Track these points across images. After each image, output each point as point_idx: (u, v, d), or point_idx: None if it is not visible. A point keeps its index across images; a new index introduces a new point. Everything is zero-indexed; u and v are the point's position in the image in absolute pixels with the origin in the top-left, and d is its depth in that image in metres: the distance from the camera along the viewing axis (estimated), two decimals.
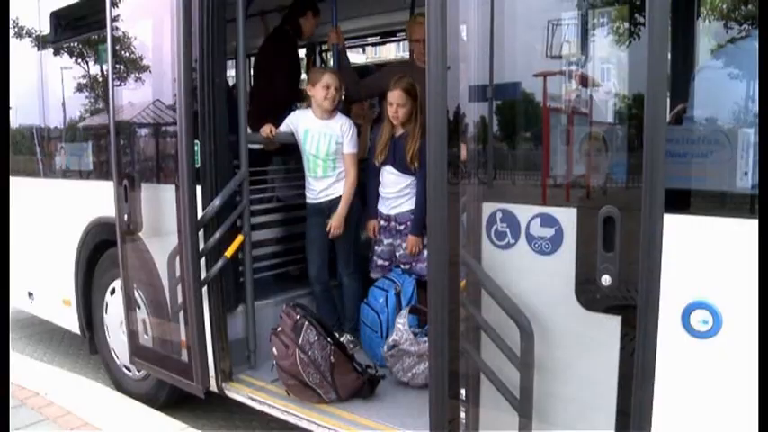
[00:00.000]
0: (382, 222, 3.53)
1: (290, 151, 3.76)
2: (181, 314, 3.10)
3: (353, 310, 3.61)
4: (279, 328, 3.06)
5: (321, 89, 3.40)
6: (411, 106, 3.31)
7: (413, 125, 3.34)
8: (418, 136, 3.28)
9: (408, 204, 3.43)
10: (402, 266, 3.52)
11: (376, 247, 3.60)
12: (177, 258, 3.04)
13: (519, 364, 2.03)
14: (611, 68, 1.98)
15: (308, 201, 3.57)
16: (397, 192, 3.44)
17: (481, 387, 2.19)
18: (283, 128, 3.58)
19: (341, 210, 3.45)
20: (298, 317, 3.05)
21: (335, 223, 3.45)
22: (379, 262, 3.61)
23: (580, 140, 2.01)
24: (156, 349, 3.36)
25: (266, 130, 3.44)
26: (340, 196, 3.48)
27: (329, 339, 3.08)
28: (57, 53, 4.11)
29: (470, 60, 2.11)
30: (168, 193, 3.07)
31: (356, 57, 8.53)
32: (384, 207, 3.52)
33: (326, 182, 3.49)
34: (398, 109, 3.29)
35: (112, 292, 3.80)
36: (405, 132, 3.37)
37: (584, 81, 2.01)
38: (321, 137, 3.44)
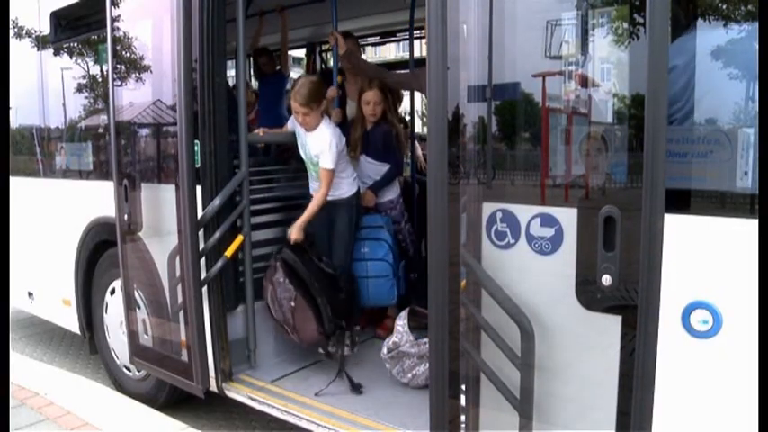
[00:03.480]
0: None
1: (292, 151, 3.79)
2: (181, 314, 3.10)
3: (356, 303, 3.63)
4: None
5: (294, 113, 3.36)
6: (384, 105, 3.72)
7: (390, 119, 3.80)
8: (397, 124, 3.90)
9: (391, 194, 3.81)
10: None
11: None
12: (177, 258, 3.05)
13: (519, 364, 2.03)
14: (611, 68, 1.98)
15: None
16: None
17: (481, 387, 2.19)
18: (290, 125, 3.61)
19: (299, 221, 3.34)
20: (277, 256, 3.32)
21: (294, 232, 3.32)
22: None
23: (580, 140, 2.01)
24: (156, 349, 3.37)
25: (260, 131, 3.56)
26: (342, 197, 3.49)
27: (292, 286, 3.24)
28: (57, 53, 4.12)
29: (470, 60, 2.11)
30: (168, 193, 3.07)
31: None
32: None
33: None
34: (375, 107, 3.68)
35: (112, 292, 3.81)
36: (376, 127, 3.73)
37: (583, 81, 2.01)
38: (305, 147, 3.44)
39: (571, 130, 2.03)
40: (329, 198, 3.48)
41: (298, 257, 3.31)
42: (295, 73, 5.92)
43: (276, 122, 4.24)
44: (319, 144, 3.34)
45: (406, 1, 4.36)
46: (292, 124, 3.56)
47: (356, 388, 3.12)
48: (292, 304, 3.22)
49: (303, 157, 3.49)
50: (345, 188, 3.51)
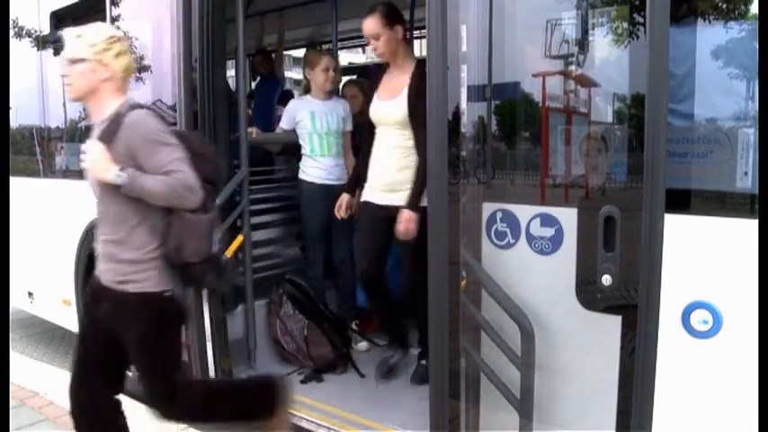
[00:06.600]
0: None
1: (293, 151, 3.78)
2: None
3: (353, 294, 3.76)
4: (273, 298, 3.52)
5: (321, 72, 3.52)
6: (363, 100, 3.69)
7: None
8: None
9: None
10: None
11: None
12: None
13: (519, 364, 2.03)
14: (611, 68, 1.97)
15: (319, 182, 3.53)
16: None
17: (481, 387, 2.19)
18: (285, 125, 3.59)
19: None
20: (281, 291, 3.48)
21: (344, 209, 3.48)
22: None
23: (580, 140, 2.01)
24: None
25: (252, 132, 3.50)
26: (342, 182, 3.50)
27: (303, 315, 3.44)
28: (57, 53, 4.11)
29: (470, 60, 2.11)
30: None
31: (356, 57, 8.52)
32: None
33: (339, 161, 3.58)
34: (351, 100, 3.85)
35: None
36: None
37: (583, 81, 2.01)
38: (329, 115, 3.54)
39: (571, 130, 2.04)
40: (338, 183, 3.51)
41: (297, 288, 3.52)
42: (294, 74, 5.92)
43: (268, 127, 4.15)
44: (344, 107, 3.62)
45: (405, 1, 4.36)
46: (287, 124, 3.57)
47: (362, 375, 3.30)
48: (305, 333, 3.39)
49: (324, 132, 3.51)
50: None
